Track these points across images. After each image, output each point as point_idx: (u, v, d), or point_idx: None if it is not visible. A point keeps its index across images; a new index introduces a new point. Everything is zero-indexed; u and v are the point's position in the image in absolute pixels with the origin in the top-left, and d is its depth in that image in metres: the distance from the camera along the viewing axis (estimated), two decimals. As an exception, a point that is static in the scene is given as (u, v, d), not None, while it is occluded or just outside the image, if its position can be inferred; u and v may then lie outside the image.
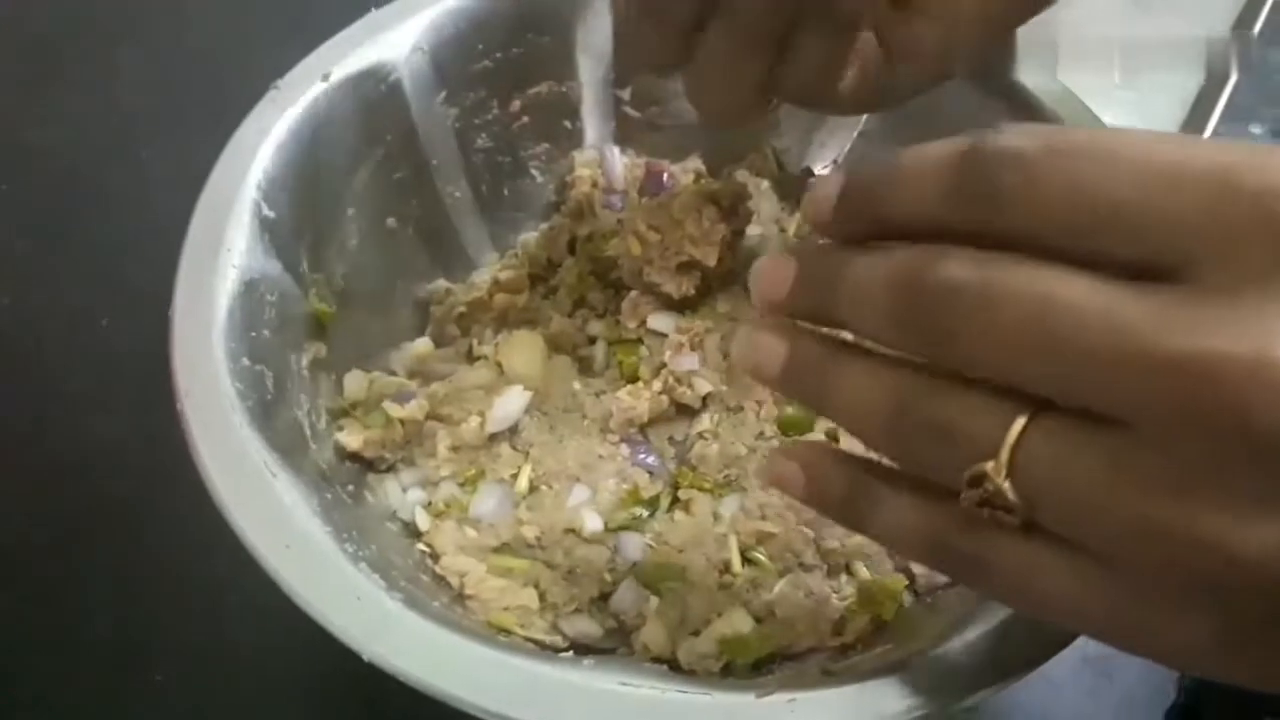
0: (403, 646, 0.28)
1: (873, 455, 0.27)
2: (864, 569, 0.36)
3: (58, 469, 0.46)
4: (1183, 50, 0.58)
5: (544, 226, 0.46)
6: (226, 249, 0.35)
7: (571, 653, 0.34)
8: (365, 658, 0.28)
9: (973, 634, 0.30)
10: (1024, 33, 0.36)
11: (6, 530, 0.45)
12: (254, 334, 0.35)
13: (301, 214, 0.38)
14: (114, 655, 0.41)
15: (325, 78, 0.40)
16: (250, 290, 0.35)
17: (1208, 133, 0.53)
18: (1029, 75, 0.40)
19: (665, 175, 0.46)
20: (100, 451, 0.46)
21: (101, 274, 0.52)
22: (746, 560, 0.36)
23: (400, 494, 0.38)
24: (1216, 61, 0.58)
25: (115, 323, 0.50)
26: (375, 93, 0.41)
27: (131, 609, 0.42)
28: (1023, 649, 0.29)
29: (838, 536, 0.36)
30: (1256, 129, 0.58)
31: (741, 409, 0.39)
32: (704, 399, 0.39)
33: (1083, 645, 0.39)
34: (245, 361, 0.34)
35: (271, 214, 0.37)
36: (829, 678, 0.29)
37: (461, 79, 0.43)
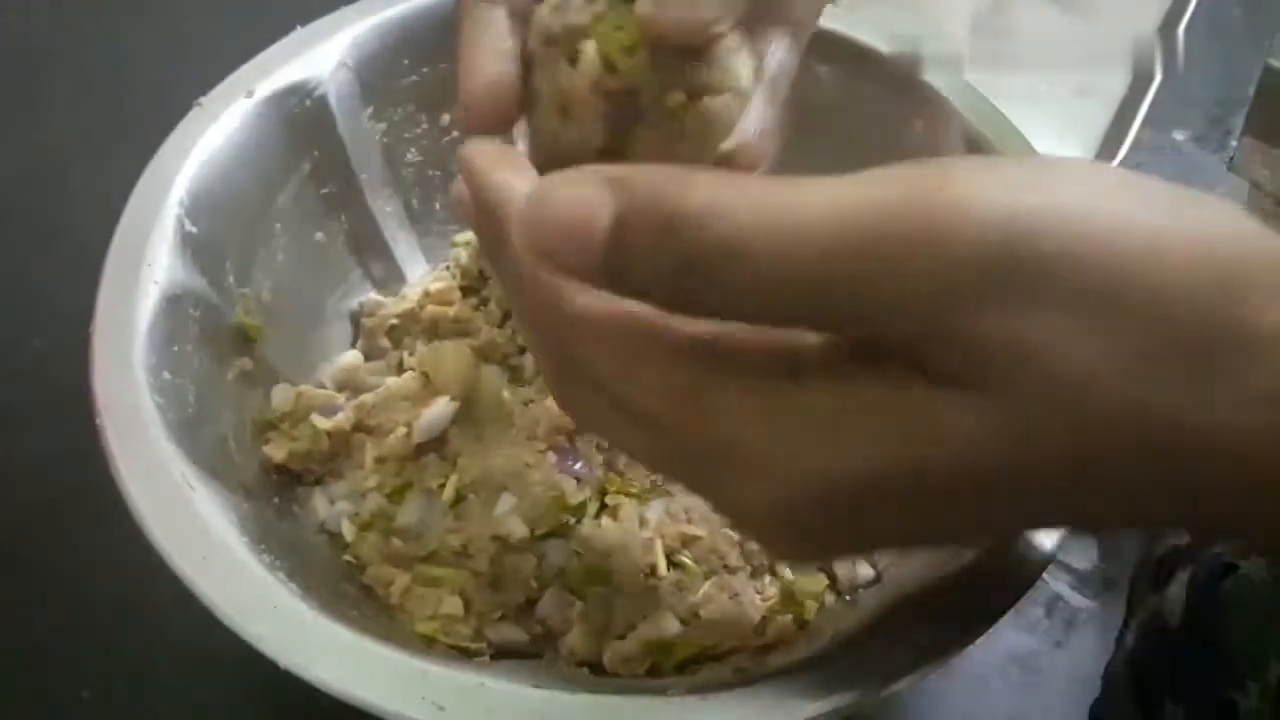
0: (318, 655, 0.28)
1: None
2: (787, 570, 0.36)
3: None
4: (1107, 50, 0.59)
5: (475, 239, 0.47)
6: (148, 264, 0.35)
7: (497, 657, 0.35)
8: (281, 666, 0.28)
9: (889, 629, 0.30)
10: (933, 33, 0.36)
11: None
12: (176, 349, 0.35)
13: (226, 229, 0.39)
14: (39, 671, 0.41)
15: (249, 94, 0.40)
16: (172, 306, 0.35)
17: (1130, 136, 0.54)
18: (936, 76, 0.41)
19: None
20: (29, 469, 0.46)
21: (33, 296, 0.52)
22: (672, 564, 0.36)
23: (328, 506, 0.38)
24: (1142, 62, 0.59)
25: (47, 345, 0.50)
26: (300, 108, 0.41)
27: (56, 625, 0.42)
28: (938, 641, 0.30)
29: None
30: (1179, 135, 0.59)
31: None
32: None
33: (1011, 644, 0.39)
34: (166, 376, 0.34)
35: (194, 229, 0.37)
36: (741, 674, 0.29)
37: (388, 94, 0.44)
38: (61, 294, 0.50)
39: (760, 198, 0.20)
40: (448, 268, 0.46)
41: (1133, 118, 0.56)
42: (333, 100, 0.42)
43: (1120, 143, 0.54)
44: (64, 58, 0.61)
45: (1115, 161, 0.54)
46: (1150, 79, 0.58)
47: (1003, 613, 0.30)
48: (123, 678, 0.41)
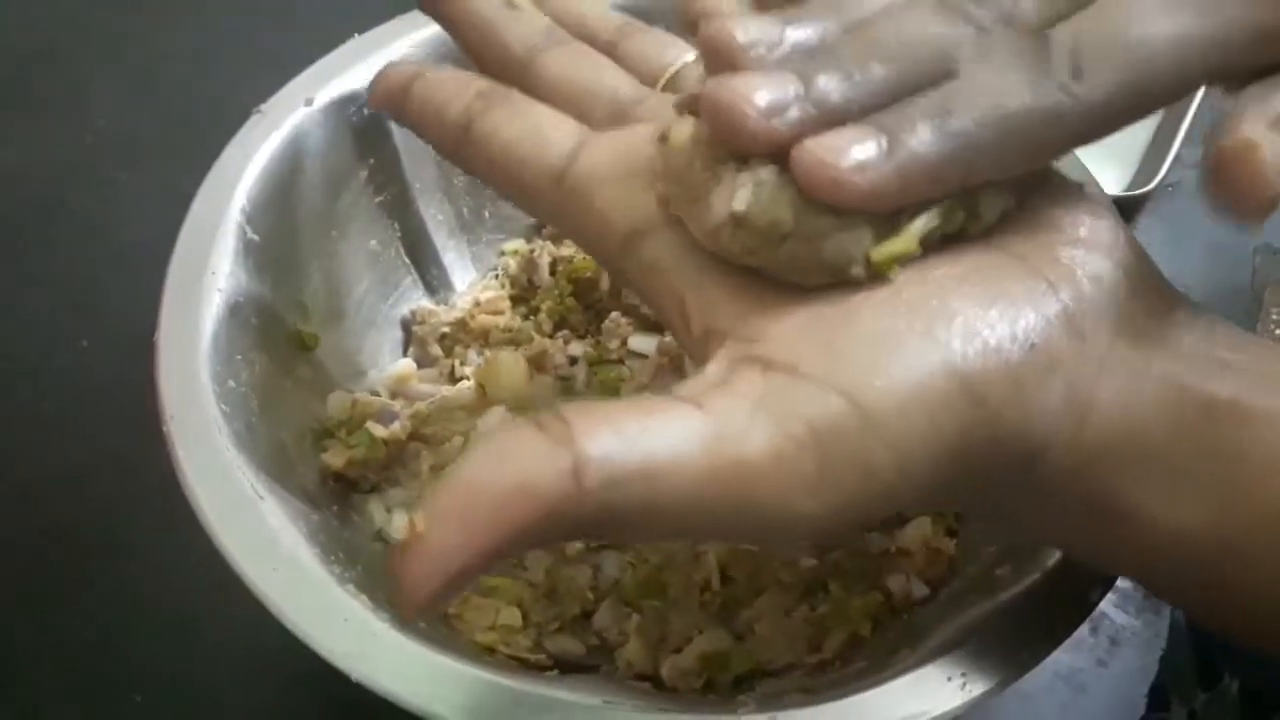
0: (390, 667, 0.28)
1: None
2: (840, 586, 0.37)
3: (31, 489, 0.46)
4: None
5: (525, 248, 0.47)
6: (211, 273, 0.36)
7: (556, 671, 0.35)
8: (353, 679, 0.28)
9: (948, 648, 0.31)
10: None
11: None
12: (239, 357, 0.35)
13: (285, 237, 0.39)
14: (91, 677, 0.41)
15: (308, 102, 0.40)
16: (234, 313, 0.36)
17: (1172, 153, 0.54)
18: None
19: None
20: (75, 469, 0.46)
21: (79, 297, 0.52)
22: (725, 578, 0.37)
23: (384, 514, 0.38)
24: None
25: (94, 345, 0.50)
26: (358, 117, 0.41)
27: (106, 626, 0.42)
28: (998, 663, 0.30)
29: (813, 555, 0.37)
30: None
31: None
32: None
33: (1057, 662, 0.40)
34: (230, 384, 0.34)
35: (255, 237, 0.37)
36: (808, 695, 0.29)
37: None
38: (109, 294, 0.51)
39: None
40: (496, 276, 0.46)
41: (1175, 134, 0.55)
42: (390, 109, 0.42)
43: (1162, 160, 0.54)
44: (109, 57, 0.61)
45: (1156, 179, 0.54)
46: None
47: (1066, 635, 0.31)
48: (175, 682, 0.41)
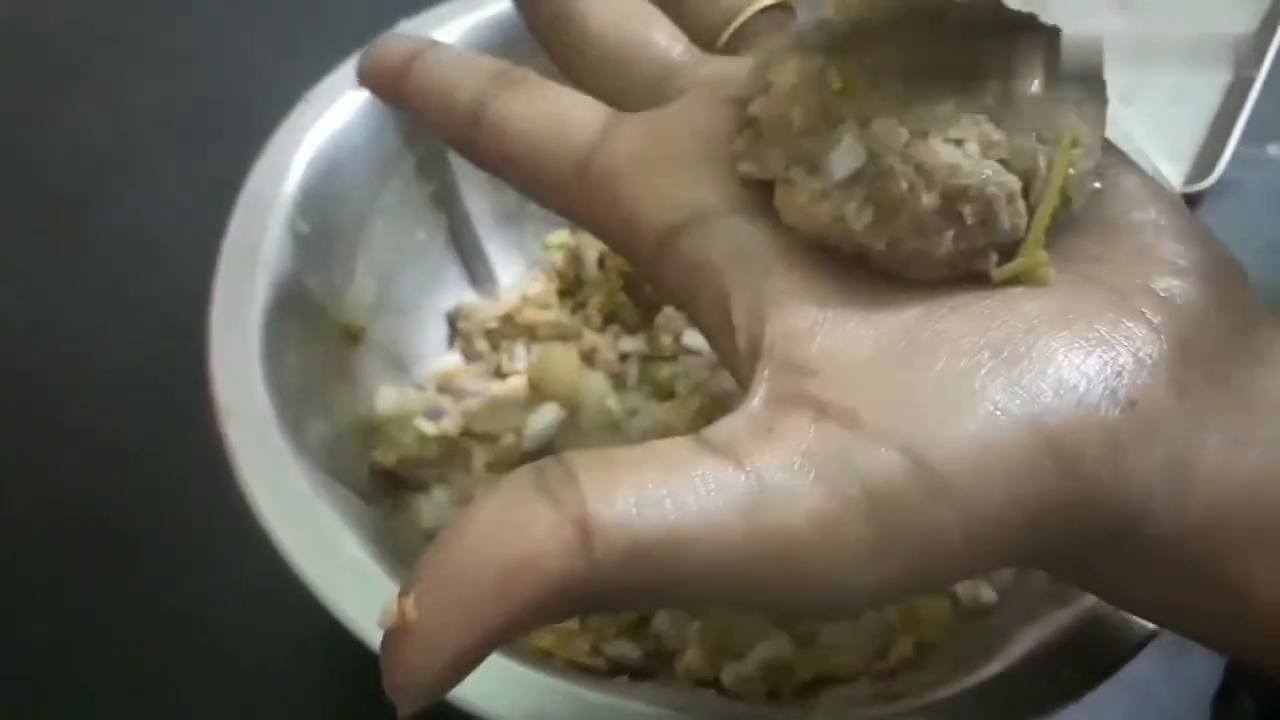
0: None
1: None
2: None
3: (70, 478, 0.45)
4: (1204, 52, 0.58)
5: (570, 240, 0.46)
6: (262, 265, 0.35)
7: (626, 677, 0.34)
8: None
9: (1022, 660, 0.30)
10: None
11: (38, 543, 0.44)
12: (290, 351, 0.34)
13: (334, 228, 0.38)
14: (140, 674, 0.40)
15: (356, 89, 0.39)
16: (285, 306, 0.35)
17: (1230, 148, 0.53)
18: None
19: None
20: (115, 461, 0.45)
21: (118, 286, 0.51)
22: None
23: (435, 512, 0.37)
24: (1242, 64, 0.57)
25: (130, 336, 0.49)
26: (407, 106, 0.40)
27: (159, 616, 0.41)
28: (1076, 674, 0.29)
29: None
30: (1273, 148, 0.58)
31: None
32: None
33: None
34: (282, 378, 0.33)
35: (305, 228, 0.36)
36: (880, 701, 0.28)
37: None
38: (148, 283, 0.50)
39: None
40: (543, 269, 0.45)
41: (1231, 128, 0.54)
42: (439, 97, 0.41)
43: (1219, 155, 0.53)
44: (147, 43, 0.61)
45: (1214, 175, 0.53)
46: (1250, 82, 0.56)
47: (1139, 650, 0.30)
48: (225, 678, 0.40)
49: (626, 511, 0.18)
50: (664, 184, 0.23)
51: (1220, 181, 0.54)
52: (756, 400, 0.20)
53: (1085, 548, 0.20)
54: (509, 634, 0.18)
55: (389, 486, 0.37)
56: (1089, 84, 0.22)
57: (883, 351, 0.20)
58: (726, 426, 0.19)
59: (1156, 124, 0.56)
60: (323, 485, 0.31)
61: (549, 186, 0.25)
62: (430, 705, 0.18)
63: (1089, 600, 0.31)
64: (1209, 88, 0.57)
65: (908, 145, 0.20)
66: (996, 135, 0.21)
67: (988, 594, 0.36)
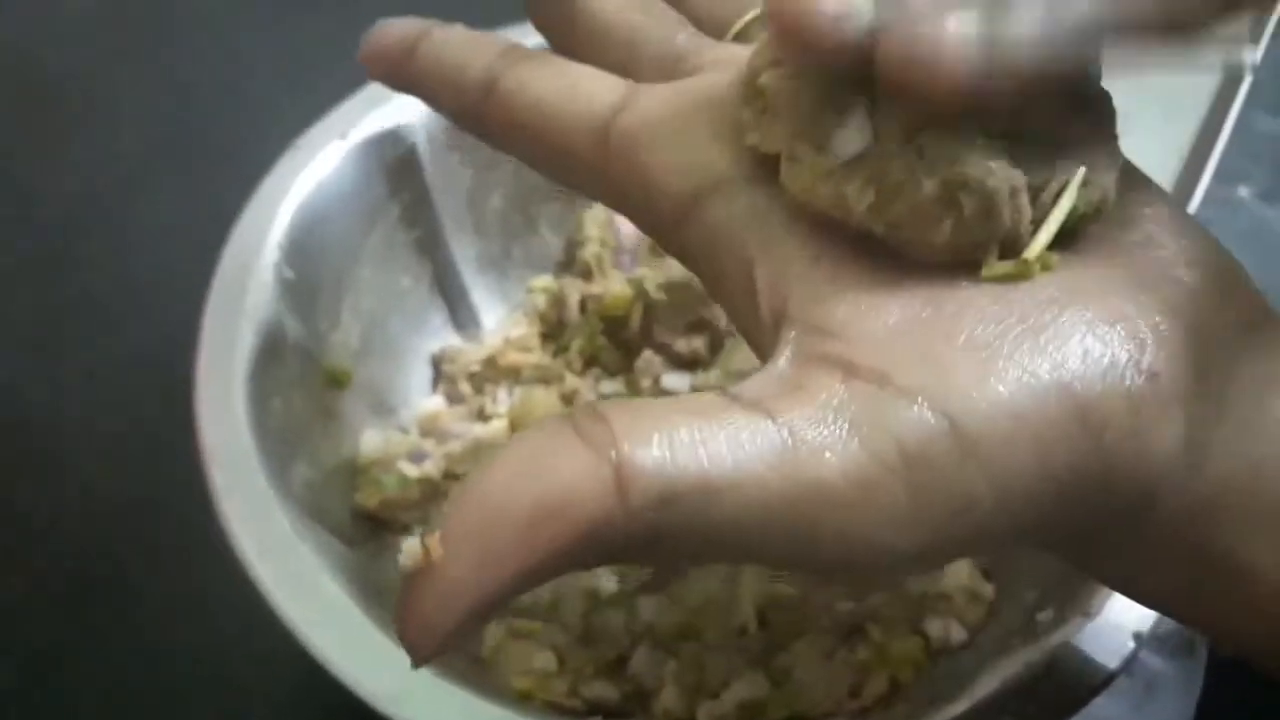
0: (434, 713, 0.28)
1: None
2: (878, 632, 0.36)
3: (56, 522, 0.46)
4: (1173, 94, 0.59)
5: (553, 284, 0.47)
6: (248, 310, 0.36)
7: (602, 718, 0.34)
8: (396, 725, 0.28)
9: (992, 699, 0.30)
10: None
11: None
12: (275, 397, 0.35)
13: (320, 274, 0.39)
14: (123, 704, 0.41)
15: (343, 136, 0.40)
16: (270, 352, 0.36)
17: (1202, 186, 0.54)
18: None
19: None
20: (95, 501, 0.46)
21: (104, 324, 0.51)
22: (762, 623, 0.36)
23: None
24: (1231, 59, 0.58)
25: (119, 374, 0.50)
26: (392, 155, 0.41)
27: (139, 652, 0.42)
28: (1042, 712, 0.30)
29: (852, 598, 0.36)
30: (1244, 190, 0.59)
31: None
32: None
33: (1092, 709, 0.39)
34: (267, 422, 0.34)
35: (291, 274, 0.37)
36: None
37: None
38: (133, 328, 0.51)
39: None
40: (525, 313, 0.46)
41: (1209, 155, 0.55)
42: (424, 147, 0.42)
43: (1196, 182, 0.54)
44: (141, 81, 0.61)
45: (1194, 203, 0.53)
46: (1240, 78, 0.57)
47: (1105, 686, 0.30)
48: (210, 715, 0.40)
49: (661, 456, 0.17)
50: (685, 150, 0.23)
51: (1201, 207, 0.55)
52: (782, 360, 0.20)
53: (1105, 518, 0.20)
54: (534, 579, 0.18)
55: (372, 529, 0.38)
56: (1101, 128, 0.23)
57: (909, 317, 0.20)
58: (753, 384, 0.19)
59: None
60: (305, 528, 0.31)
61: (564, 154, 0.24)
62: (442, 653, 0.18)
63: (1055, 638, 0.31)
64: (1180, 131, 0.58)
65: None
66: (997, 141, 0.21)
67: (958, 633, 0.36)
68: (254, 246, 0.37)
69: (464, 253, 0.45)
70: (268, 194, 0.38)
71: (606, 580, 0.37)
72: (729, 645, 0.36)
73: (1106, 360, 0.19)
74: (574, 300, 0.45)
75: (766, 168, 0.22)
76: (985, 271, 0.21)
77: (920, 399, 0.18)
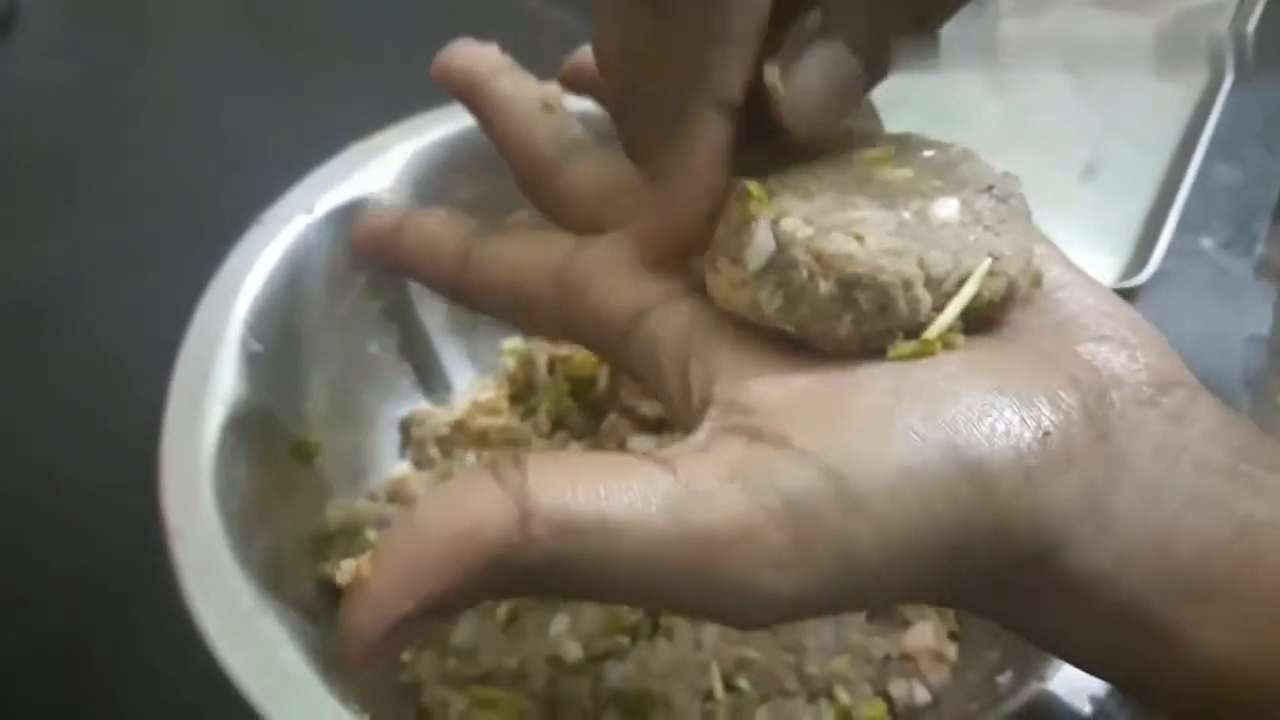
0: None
1: None
2: (844, 694, 0.36)
3: (28, 598, 0.46)
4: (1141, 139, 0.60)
5: (523, 346, 0.47)
6: (214, 385, 0.36)
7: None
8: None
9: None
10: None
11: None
12: (241, 470, 0.35)
13: (287, 346, 0.39)
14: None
15: (309, 210, 0.41)
16: (237, 426, 0.36)
17: (1164, 240, 0.55)
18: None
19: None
20: (68, 585, 0.46)
21: (74, 406, 0.51)
22: (728, 687, 0.36)
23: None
24: (1215, 65, 0.59)
25: (84, 459, 0.50)
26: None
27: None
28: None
29: (818, 662, 0.37)
30: (1207, 241, 0.60)
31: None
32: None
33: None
34: (232, 498, 0.34)
35: (258, 348, 0.38)
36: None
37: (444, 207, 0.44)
38: (101, 405, 0.51)
39: None
40: (494, 376, 0.47)
41: (1164, 221, 0.56)
42: (390, 216, 0.42)
43: (1152, 248, 0.55)
44: (109, 164, 0.62)
45: (1149, 270, 0.54)
46: (1220, 81, 0.58)
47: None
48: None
49: (563, 495, 0.20)
50: (629, 278, 0.26)
51: (1156, 274, 0.56)
52: (700, 433, 0.22)
53: (1007, 572, 0.21)
54: (450, 600, 0.20)
55: (337, 598, 0.38)
56: (1011, 208, 0.25)
57: (813, 390, 0.22)
58: (669, 450, 0.22)
59: (1090, 220, 0.58)
60: (267, 601, 0.32)
61: (531, 301, 0.28)
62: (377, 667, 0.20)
63: (1020, 699, 0.32)
64: (1145, 181, 0.60)
65: (811, 239, 0.23)
66: (896, 242, 0.23)
67: (922, 694, 0.37)
68: (219, 321, 0.37)
69: (433, 319, 0.46)
70: (233, 269, 0.39)
71: (572, 647, 0.37)
72: (695, 711, 0.36)
73: (997, 422, 0.21)
74: (543, 360, 0.45)
75: (696, 287, 0.25)
76: (891, 352, 0.23)
77: (811, 456, 0.21)
